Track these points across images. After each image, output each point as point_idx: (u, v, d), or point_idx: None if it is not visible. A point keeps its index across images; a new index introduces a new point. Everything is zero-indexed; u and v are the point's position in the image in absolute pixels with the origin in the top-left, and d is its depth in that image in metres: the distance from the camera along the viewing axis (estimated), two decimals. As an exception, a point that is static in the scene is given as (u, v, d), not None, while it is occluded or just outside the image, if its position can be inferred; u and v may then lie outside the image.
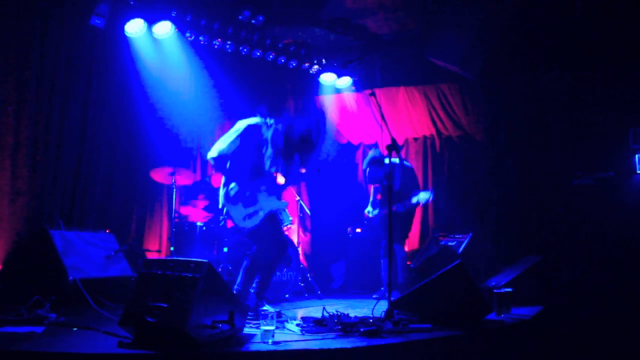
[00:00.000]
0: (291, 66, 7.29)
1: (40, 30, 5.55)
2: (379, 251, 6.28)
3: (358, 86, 7.80)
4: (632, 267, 5.58)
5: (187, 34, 6.43)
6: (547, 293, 5.25)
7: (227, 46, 6.72)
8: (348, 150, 8.64)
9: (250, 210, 4.50)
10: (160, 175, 6.14)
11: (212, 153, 4.57)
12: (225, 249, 5.98)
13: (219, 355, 2.92)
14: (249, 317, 3.90)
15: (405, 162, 6.33)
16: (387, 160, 6.23)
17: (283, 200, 4.72)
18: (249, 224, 4.47)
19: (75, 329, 3.54)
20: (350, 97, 8.11)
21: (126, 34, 6.10)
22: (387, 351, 3.26)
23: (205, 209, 6.49)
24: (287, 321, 3.86)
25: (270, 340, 3.19)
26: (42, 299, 4.02)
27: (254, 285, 4.56)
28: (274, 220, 4.62)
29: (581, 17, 6.04)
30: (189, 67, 6.77)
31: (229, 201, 4.48)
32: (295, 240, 6.56)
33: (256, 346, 3.11)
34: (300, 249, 6.45)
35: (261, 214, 4.50)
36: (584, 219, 6.22)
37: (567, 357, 4.84)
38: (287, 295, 5.94)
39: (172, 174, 6.00)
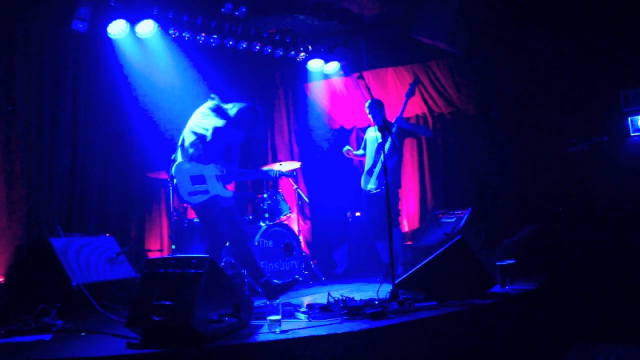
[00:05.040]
0: (278, 55, 7.25)
1: (23, 39, 5.52)
2: (377, 230, 6.28)
3: (346, 70, 7.78)
4: (630, 230, 5.60)
5: (171, 31, 6.38)
6: (549, 261, 5.28)
7: (212, 40, 6.68)
8: (342, 135, 8.63)
9: (198, 188, 4.73)
10: (157, 176, 6.17)
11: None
12: (227, 243, 5.99)
13: (227, 348, 2.93)
14: None
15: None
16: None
17: (228, 190, 4.96)
18: (194, 200, 4.69)
19: (83, 333, 3.55)
20: (339, 82, 8.10)
21: (109, 36, 6.06)
22: (394, 331, 3.28)
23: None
24: (294, 310, 3.88)
25: (277, 330, 3.21)
26: (48, 307, 4.02)
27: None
28: (218, 204, 4.83)
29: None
30: (176, 65, 6.73)
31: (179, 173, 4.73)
32: (295, 228, 6.57)
33: (264, 336, 3.12)
34: (301, 237, 6.46)
35: (206, 196, 4.73)
36: (581, 185, 6.24)
37: (573, 324, 4.87)
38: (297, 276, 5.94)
39: (168, 174, 6.00)
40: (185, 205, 4.94)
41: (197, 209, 4.84)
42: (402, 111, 6.28)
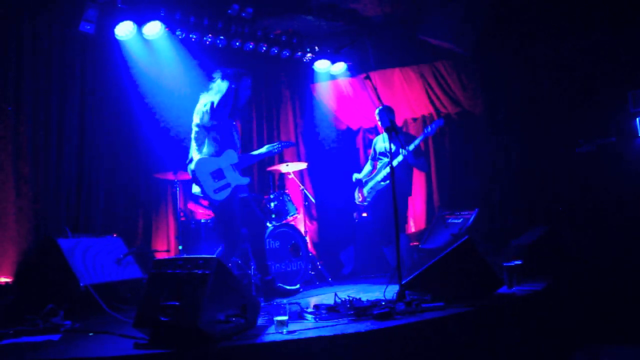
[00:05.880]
0: (284, 56, 7.27)
1: (31, 40, 5.56)
2: (384, 236, 6.24)
3: (353, 71, 7.78)
4: (638, 231, 5.57)
5: (178, 32, 6.40)
6: (556, 263, 5.26)
7: (219, 41, 6.70)
8: (348, 135, 8.64)
9: (221, 183, 4.70)
10: (163, 176, 6.19)
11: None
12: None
13: (234, 348, 2.94)
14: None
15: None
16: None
17: (244, 177, 4.93)
18: (220, 197, 4.66)
19: (91, 334, 3.57)
20: (346, 83, 8.10)
21: (116, 37, 6.09)
22: (401, 332, 3.28)
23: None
24: (300, 310, 3.88)
25: (284, 330, 3.21)
26: (56, 307, 4.05)
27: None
28: (237, 195, 4.83)
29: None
30: (183, 66, 6.75)
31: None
32: (302, 229, 6.57)
33: (271, 337, 3.13)
34: (308, 238, 6.46)
35: (229, 189, 4.73)
36: (588, 186, 6.21)
37: (580, 325, 4.86)
38: (299, 286, 5.95)
39: (175, 175, 6.02)
40: (205, 203, 4.91)
41: (220, 205, 4.74)
42: (416, 145, 5.95)
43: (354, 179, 6.45)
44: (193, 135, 4.88)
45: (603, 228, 5.80)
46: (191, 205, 6.61)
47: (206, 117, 4.78)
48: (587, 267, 5.35)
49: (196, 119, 4.86)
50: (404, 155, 5.89)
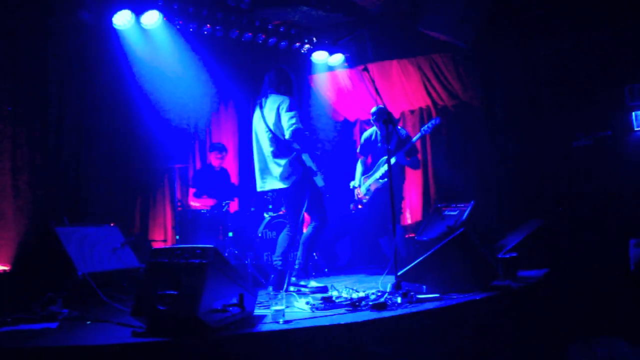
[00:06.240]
0: (282, 47, 7.25)
1: (27, 31, 5.54)
2: (379, 228, 6.26)
3: (351, 62, 7.76)
4: (634, 225, 5.60)
5: (176, 22, 6.39)
6: (551, 255, 5.29)
7: (217, 32, 6.68)
8: (345, 127, 8.64)
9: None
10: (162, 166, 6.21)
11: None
12: (231, 234, 6.02)
13: (231, 338, 2.96)
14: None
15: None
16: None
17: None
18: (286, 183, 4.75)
19: (89, 322, 3.59)
20: (343, 74, 8.09)
21: (114, 26, 6.07)
22: (396, 322, 3.30)
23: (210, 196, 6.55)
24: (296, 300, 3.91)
25: (281, 320, 3.24)
26: (54, 296, 4.06)
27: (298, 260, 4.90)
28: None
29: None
30: (181, 56, 6.73)
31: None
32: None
33: (268, 326, 3.15)
34: (304, 229, 6.48)
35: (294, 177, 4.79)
36: (584, 179, 6.25)
37: (575, 317, 4.90)
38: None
39: (173, 165, 6.03)
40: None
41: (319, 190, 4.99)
42: (411, 144, 6.00)
43: (350, 186, 6.52)
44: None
45: (599, 220, 5.83)
46: (192, 200, 6.63)
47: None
48: (583, 259, 5.38)
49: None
50: (397, 158, 5.92)
